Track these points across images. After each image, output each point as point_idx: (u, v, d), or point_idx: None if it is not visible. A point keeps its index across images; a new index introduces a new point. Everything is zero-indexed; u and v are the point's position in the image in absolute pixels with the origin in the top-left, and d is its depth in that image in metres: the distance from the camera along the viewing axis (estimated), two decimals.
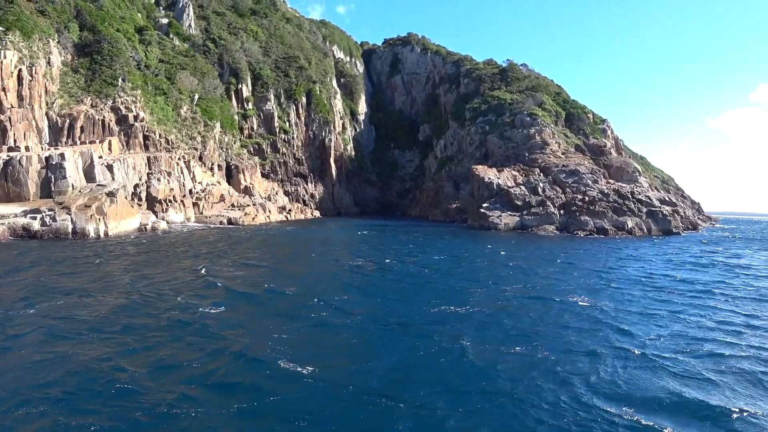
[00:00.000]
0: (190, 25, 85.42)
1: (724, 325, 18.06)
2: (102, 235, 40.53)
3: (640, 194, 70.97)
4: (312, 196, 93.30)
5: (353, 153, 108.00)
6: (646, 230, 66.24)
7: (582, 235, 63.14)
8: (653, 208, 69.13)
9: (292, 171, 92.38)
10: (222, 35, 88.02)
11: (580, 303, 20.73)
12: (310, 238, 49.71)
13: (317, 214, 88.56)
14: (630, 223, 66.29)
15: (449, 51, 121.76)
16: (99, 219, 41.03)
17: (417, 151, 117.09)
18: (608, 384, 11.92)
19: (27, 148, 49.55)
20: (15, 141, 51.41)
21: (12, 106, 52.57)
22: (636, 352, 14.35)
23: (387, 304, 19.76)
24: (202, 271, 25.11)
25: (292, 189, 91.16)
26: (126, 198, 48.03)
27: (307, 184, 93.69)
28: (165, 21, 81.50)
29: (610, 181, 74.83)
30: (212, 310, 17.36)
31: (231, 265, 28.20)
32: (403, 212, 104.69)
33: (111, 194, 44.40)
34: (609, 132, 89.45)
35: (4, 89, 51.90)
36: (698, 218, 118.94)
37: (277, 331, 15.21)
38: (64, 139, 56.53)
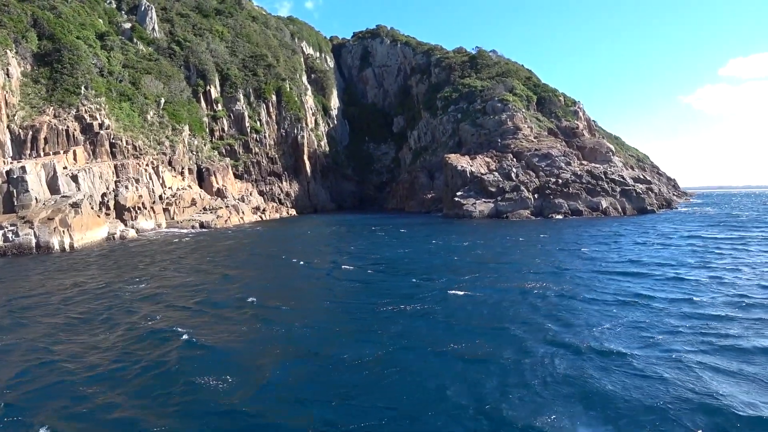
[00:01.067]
0: (153, 29, 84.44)
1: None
2: (67, 247, 40.20)
3: (613, 174, 71.83)
4: (287, 194, 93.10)
5: (327, 149, 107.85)
6: (621, 209, 67.17)
7: (557, 218, 63.91)
8: (626, 187, 70.06)
9: (266, 170, 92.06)
10: (187, 37, 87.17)
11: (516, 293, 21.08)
12: (275, 238, 49.71)
13: (293, 212, 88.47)
14: (604, 203, 67.19)
15: (419, 41, 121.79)
16: (63, 231, 40.68)
17: (392, 144, 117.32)
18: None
19: None
20: None
21: None
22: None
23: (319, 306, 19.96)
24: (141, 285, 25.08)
25: (267, 188, 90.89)
26: (92, 208, 47.63)
27: (281, 183, 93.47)
28: (128, 26, 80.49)
29: (583, 162, 75.64)
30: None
31: (177, 272, 28.22)
32: (381, 205, 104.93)
33: (75, 205, 44.01)
34: (581, 114, 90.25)
35: None
36: (673, 194, 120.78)
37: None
38: (28, 152, 55.74)
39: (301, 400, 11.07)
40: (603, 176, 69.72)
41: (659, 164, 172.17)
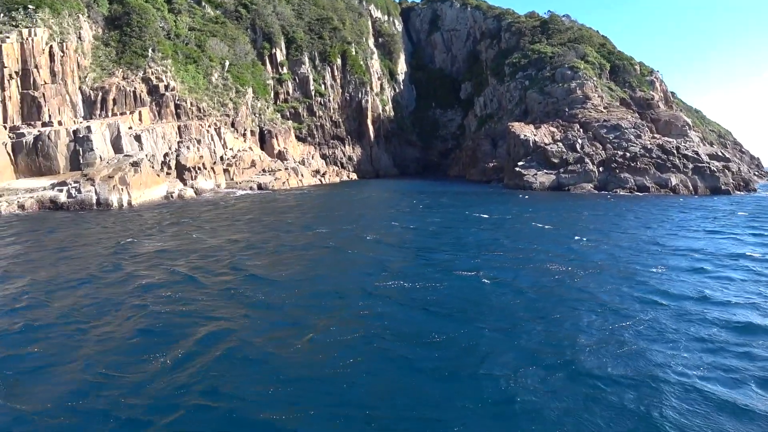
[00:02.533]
0: None
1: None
2: (125, 204, 41.87)
3: (687, 149, 66.90)
4: (350, 158, 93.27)
5: (392, 113, 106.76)
6: (692, 188, 62.63)
7: (620, 193, 60.69)
8: (700, 164, 64.98)
9: (329, 134, 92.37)
10: (254, 0, 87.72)
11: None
12: (331, 201, 49.84)
13: (354, 176, 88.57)
14: (674, 180, 62.94)
15: (490, 5, 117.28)
16: (122, 189, 42.35)
17: (459, 110, 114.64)
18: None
19: (60, 123, 51.44)
20: (50, 116, 53.36)
21: (45, 83, 54.39)
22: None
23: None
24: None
25: (330, 152, 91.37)
26: (153, 167, 49.31)
27: (344, 147, 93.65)
28: None
29: (655, 136, 71.06)
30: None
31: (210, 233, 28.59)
32: (444, 172, 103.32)
33: (135, 164, 45.67)
34: (657, 84, 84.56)
35: (36, 66, 53.69)
36: (755, 174, 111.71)
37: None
38: (98, 112, 58.23)
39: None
40: (675, 151, 65.11)
41: (743, 141, 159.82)
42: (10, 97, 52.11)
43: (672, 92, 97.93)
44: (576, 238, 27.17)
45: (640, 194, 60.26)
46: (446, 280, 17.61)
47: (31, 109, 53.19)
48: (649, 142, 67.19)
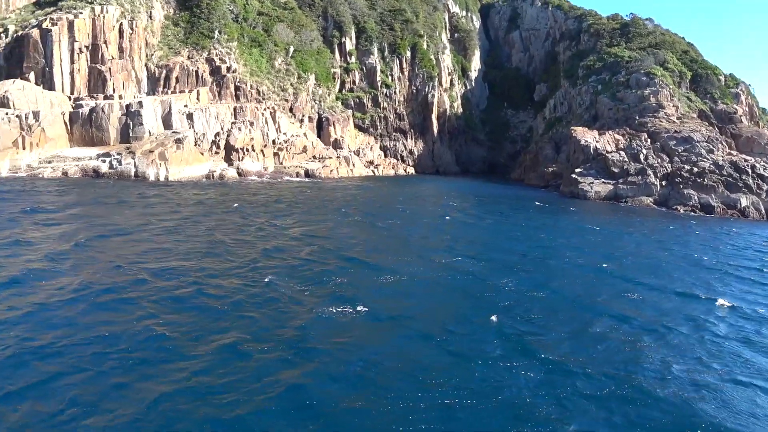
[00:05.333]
0: None
1: None
2: (162, 178, 43.38)
3: (765, 169, 61.23)
4: (410, 152, 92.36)
5: (460, 110, 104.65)
6: (764, 212, 57.30)
7: (681, 212, 56.46)
8: None
9: (392, 126, 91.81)
10: None
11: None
12: (374, 195, 49.46)
13: (411, 171, 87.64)
14: (744, 202, 57.82)
15: (572, 5, 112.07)
16: (160, 164, 43.89)
17: (532, 112, 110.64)
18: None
19: (120, 97, 53.90)
20: (114, 90, 56.10)
21: (112, 58, 57.21)
22: None
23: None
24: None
25: (391, 144, 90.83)
26: (198, 145, 50.78)
27: (406, 140, 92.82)
28: None
29: (731, 152, 65.60)
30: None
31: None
32: (508, 175, 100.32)
33: (178, 141, 47.20)
34: (743, 97, 77.87)
35: (105, 42, 56.55)
36: None
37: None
38: (161, 89, 60.59)
39: None
40: (749, 170, 59.67)
41: None
42: (78, 69, 55.21)
43: (764, 108, 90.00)
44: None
45: (703, 215, 55.58)
46: None
47: (97, 82, 56.15)
48: (721, 158, 62.09)
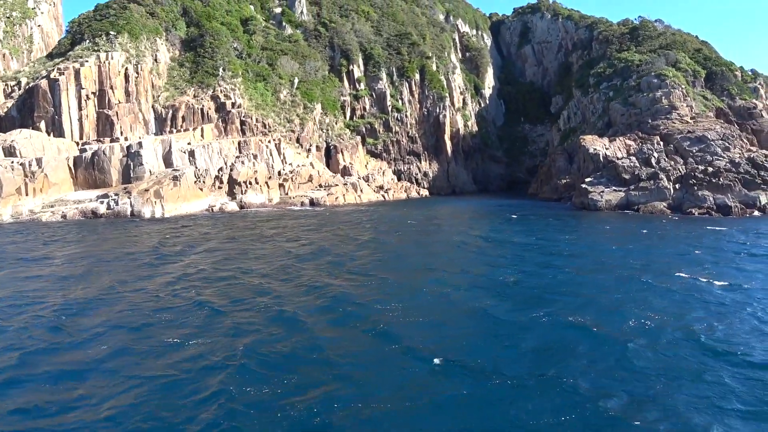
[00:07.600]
0: (302, 12, 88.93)
1: None
2: (158, 215, 44.59)
3: None
4: (425, 174, 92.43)
5: (475, 129, 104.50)
6: None
7: (696, 214, 54.45)
8: None
9: (406, 149, 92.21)
10: (333, 18, 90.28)
11: None
12: (348, 221, 49.44)
13: (425, 193, 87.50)
14: (763, 199, 55.36)
15: (582, 15, 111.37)
16: (155, 201, 45.20)
17: (549, 125, 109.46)
18: None
19: (126, 139, 55.94)
20: (122, 132, 58.31)
21: (119, 102, 59.57)
22: None
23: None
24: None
25: (405, 168, 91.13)
26: (197, 182, 52.10)
27: (420, 163, 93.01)
28: (278, 10, 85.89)
29: (752, 148, 63.50)
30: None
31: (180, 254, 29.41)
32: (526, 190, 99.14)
33: (175, 178, 48.56)
34: (762, 91, 75.52)
35: (111, 87, 58.99)
36: None
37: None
38: (168, 129, 62.64)
39: None
40: (767, 165, 57.48)
41: None
42: (87, 115, 57.63)
43: None
44: None
45: (719, 216, 53.23)
46: None
47: (105, 126, 58.48)
48: (738, 156, 60.02)
